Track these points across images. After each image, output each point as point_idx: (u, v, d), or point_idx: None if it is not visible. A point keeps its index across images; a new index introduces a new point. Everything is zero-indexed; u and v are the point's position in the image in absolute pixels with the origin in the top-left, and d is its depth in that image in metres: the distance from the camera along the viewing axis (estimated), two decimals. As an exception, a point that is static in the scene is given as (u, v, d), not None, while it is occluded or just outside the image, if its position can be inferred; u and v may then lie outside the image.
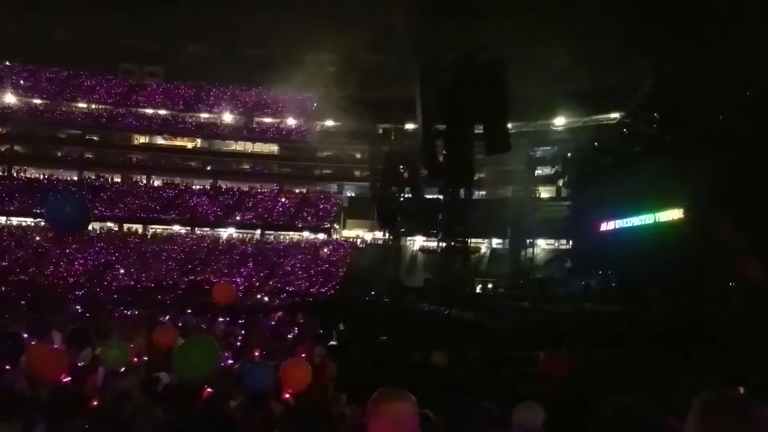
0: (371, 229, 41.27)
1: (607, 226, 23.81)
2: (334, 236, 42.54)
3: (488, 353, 9.28)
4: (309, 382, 5.28)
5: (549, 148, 38.68)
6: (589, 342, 9.41)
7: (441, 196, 20.00)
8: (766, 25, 16.97)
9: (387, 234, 29.43)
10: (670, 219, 18.90)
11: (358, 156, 45.31)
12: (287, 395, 5.11)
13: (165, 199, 43.29)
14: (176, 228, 41.63)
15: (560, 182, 36.62)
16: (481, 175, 35.96)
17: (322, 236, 41.89)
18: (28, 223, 39.58)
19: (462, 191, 18.51)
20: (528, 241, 32.64)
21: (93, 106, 46.42)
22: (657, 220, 19.76)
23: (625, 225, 22.20)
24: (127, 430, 3.05)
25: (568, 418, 3.50)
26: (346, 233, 43.67)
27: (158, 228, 41.62)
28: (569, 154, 31.91)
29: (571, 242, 31.62)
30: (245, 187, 45.22)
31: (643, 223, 20.75)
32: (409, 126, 35.33)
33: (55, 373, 5.12)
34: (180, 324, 12.51)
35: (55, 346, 6.46)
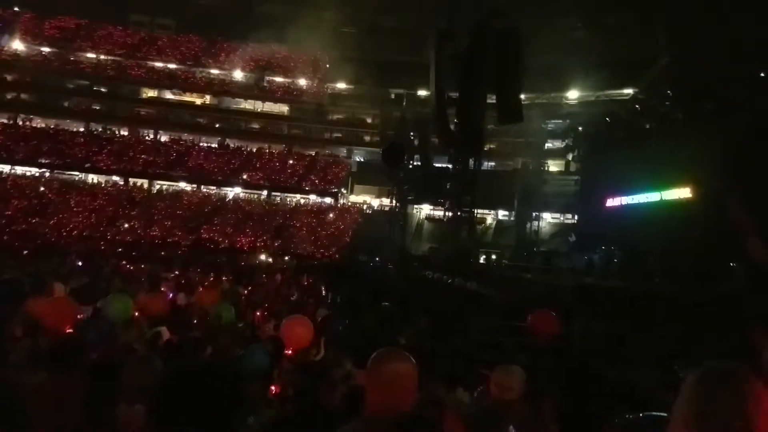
0: (379, 196, 41.17)
1: (613, 202, 23.67)
2: (342, 201, 42.53)
3: (490, 323, 9.31)
4: (310, 339, 5.28)
5: (561, 121, 38.21)
6: (590, 315, 9.45)
7: (450, 165, 19.79)
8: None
9: (394, 201, 29.37)
10: (676, 197, 18.78)
11: (369, 121, 44.94)
12: (288, 352, 5.13)
13: (172, 155, 43.18)
14: (182, 185, 41.60)
15: (570, 156, 36.29)
16: (492, 146, 35.68)
17: (329, 200, 41.89)
18: (33, 173, 39.70)
19: (471, 161, 18.29)
20: (534, 214, 32.51)
21: (102, 57, 45.91)
22: (662, 198, 19.64)
23: (631, 202, 22.07)
24: (127, 381, 3.04)
25: (571, 388, 3.48)
26: (354, 198, 43.62)
27: (164, 184, 41.61)
28: (580, 128, 31.54)
29: (576, 217, 31.50)
30: (253, 147, 45.00)
31: (648, 200, 20.62)
32: (422, 92, 34.88)
33: (60, 323, 5.14)
34: (183, 281, 12.60)
35: (60, 297, 6.50)
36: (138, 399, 2.80)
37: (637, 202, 21.51)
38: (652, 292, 11.92)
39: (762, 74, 14.90)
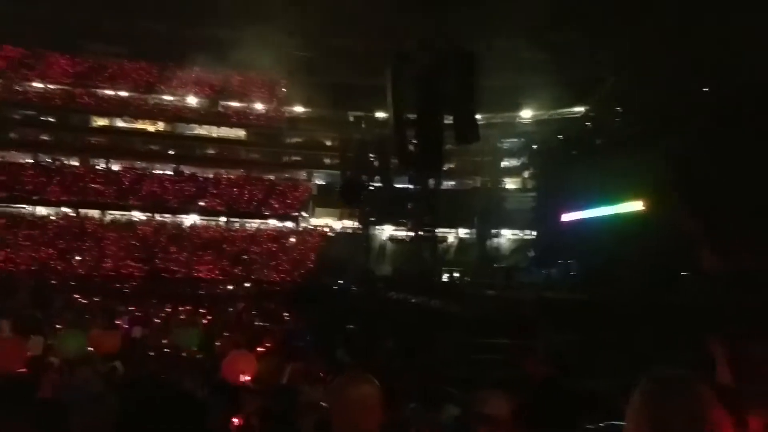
0: (340, 218, 41.03)
1: (569, 216, 24.22)
2: (303, 224, 42.14)
3: (455, 340, 9.29)
4: (252, 372, 5.17)
5: (516, 139, 39.08)
6: (551, 328, 9.57)
7: (411, 186, 19.92)
8: (727, 22, 17.34)
9: (356, 223, 29.34)
10: (629, 211, 19.33)
11: (328, 143, 44.84)
12: (247, 378, 5.03)
13: (124, 184, 42.10)
14: (136, 214, 40.53)
15: (526, 174, 37.09)
16: (451, 166, 36.12)
17: (290, 224, 41.46)
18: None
19: (431, 181, 18.46)
20: (494, 231, 33.00)
21: (50, 86, 44.64)
22: (617, 212, 20.19)
23: (586, 216, 22.63)
24: (81, 419, 2.89)
25: (540, 402, 3.45)
26: (315, 221, 43.28)
27: (117, 214, 40.43)
28: (534, 147, 32.31)
29: (535, 233, 32.12)
30: (210, 174, 44.27)
31: (602, 214, 21.18)
32: (380, 114, 35.15)
33: (8, 364, 4.85)
34: (139, 314, 12.18)
35: (6, 335, 6.16)
36: None
37: (592, 216, 22.05)
38: (608, 303, 12.18)
39: (705, 89, 15.57)
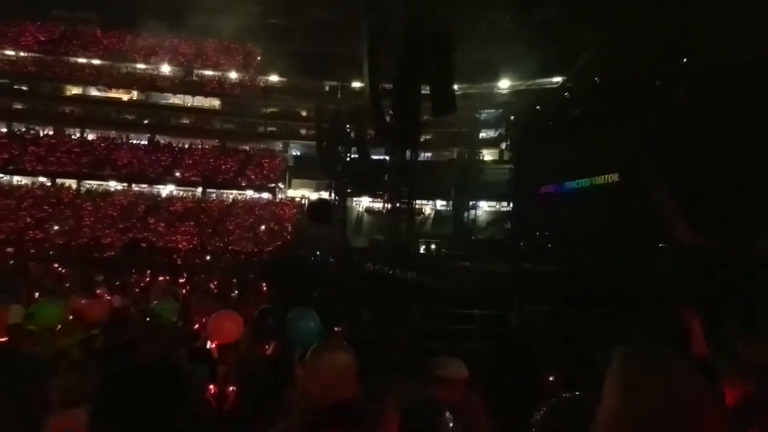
0: (317, 189, 41.01)
1: (546, 189, 24.53)
2: (279, 196, 42.06)
3: (430, 311, 9.52)
4: (239, 334, 5.19)
5: (493, 111, 39.14)
6: (525, 299, 9.84)
7: (387, 157, 20.01)
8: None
9: (333, 194, 29.40)
10: (606, 182, 19.64)
11: (304, 114, 44.53)
12: (212, 345, 5.04)
13: (100, 153, 41.44)
14: (112, 184, 40.03)
15: (503, 145, 37.26)
16: (427, 137, 36.19)
17: (266, 195, 41.34)
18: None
19: (408, 152, 18.57)
20: (471, 203, 33.27)
21: (21, 54, 43.40)
22: (593, 183, 20.51)
23: (563, 188, 22.94)
24: (61, 386, 3.00)
25: (514, 373, 3.63)
26: (291, 193, 43.23)
27: (93, 184, 39.92)
28: (512, 118, 32.40)
29: (511, 205, 32.49)
30: (185, 143, 43.75)
31: (579, 186, 21.50)
32: (357, 84, 34.94)
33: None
34: (117, 283, 12.23)
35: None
36: (73, 404, 2.74)
37: (569, 188, 22.35)
38: (584, 275, 12.48)
39: (684, 60, 15.69)
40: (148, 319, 7.15)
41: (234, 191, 41.22)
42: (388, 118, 18.54)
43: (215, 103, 45.73)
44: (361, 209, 38.78)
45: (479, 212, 35.45)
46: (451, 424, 2.29)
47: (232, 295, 11.60)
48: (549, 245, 20.80)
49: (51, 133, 42.32)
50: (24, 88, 43.07)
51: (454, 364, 3.13)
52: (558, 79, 34.69)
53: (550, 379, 4.19)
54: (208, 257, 28.60)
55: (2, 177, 38.62)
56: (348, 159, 26.66)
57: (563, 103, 24.09)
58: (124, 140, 43.15)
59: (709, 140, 12.92)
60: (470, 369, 3.14)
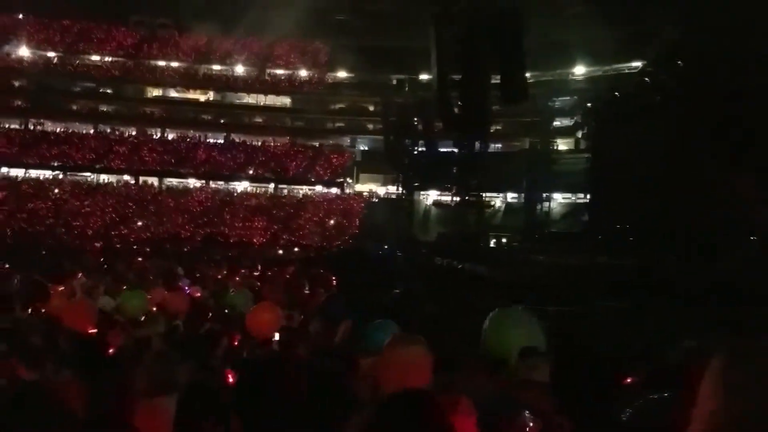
0: (384, 183, 41.21)
1: (624, 178, 23.41)
2: (347, 190, 42.58)
3: (498, 305, 9.30)
4: (277, 327, 5.20)
5: (568, 98, 37.86)
6: (598, 294, 9.45)
7: (455, 149, 19.76)
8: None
9: (400, 188, 29.38)
10: (685, 172, 18.46)
11: (371, 108, 44.79)
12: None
13: (179, 152, 43.40)
14: (191, 181, 41.86)
15: (579, 134, 35.99)
16: (498, 127, 35.47)
17: (335, 190, 41.96)
18: (46, 176, 40.06)
19: (477, 143, 18.26)
20: (544, 194, 32.32)
21: (106, 59, 46.09)
22: (672, 174, 19.33)
23: (641, 177, 21.81)
24: (146, 375, 3.07)
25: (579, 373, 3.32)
26: (359, 187, 43.64)
27: (173, 181, 41.89)
28: (589, 105, 31.22)
29: (589, 196, 31.26)
30: (258, 141, 45.10)
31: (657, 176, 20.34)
32: (424, 76, 34.76)
33: (84, 324, 5.20)
34: (198, 275, 12.71)
35: (79, 296, 6.61)
36: (158, 392, 2.82)
37: (647, 177, 21.17)
38: (663, 269, 11.85)
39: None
40: (225, 310, 7.35)
41: (304, 187, 42.10)
42: (456, 109, 18.30)
43: (286, 101, 46.84)
44: (428, 203, 38.58)
45: (553, 204, 34.42)
46: (531, 424, 2.21)
47: (304, 287, 11.81)
48: (630, 238, 19.90)
49: (134, 133, 44.67)
50: (109, 90, 45.69)
51: (534, 366, 2.96)
52: (637, 63, 33.13)
53: (628, 380, 3.96)
54: (280, 251, 29.36)
55: (90, 176, 41.09)
56: (415, 152, 26.55)
57: (643, 88, 22.97)
58: (201, 139, 44.96)
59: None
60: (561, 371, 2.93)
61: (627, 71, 34.23)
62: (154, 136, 44.96)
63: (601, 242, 20.68)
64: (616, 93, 26.03)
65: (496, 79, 17.26)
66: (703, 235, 14.53)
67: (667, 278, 10.54)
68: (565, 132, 37.28)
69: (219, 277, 12.97)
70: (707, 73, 17.65)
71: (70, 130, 43.45)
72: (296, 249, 30.18)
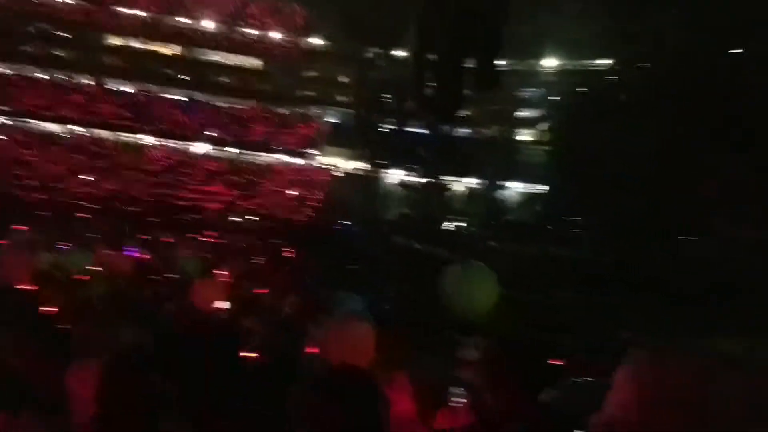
0: (351, 158, 40.75)
1: (584, 172, 23.83)
2: (313, 162, 41.95)
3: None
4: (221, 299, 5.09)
5: (536, 90, 38.12)
6: (552, 284, 9.63)
7: (425, 131, 19.62)
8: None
9: (367, 165, 29.16)
10: (645, 171, 18.95)
11: (344, 80, 44.00)
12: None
13: (137, 106, 41.80)
14: (148, 138, 40.46)
15: (544, 126, 36.39)
16: (467, 113, 35.49)
17: (300, 161, 41.29)
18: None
19: (446, 127, 18.15)
20: (505, 183, 32.72)
21: (67, 0, 43.68)
22: (632, 171, 19.79)
23: (601, 173, 22.26)
24: (83, 337, 2.93)
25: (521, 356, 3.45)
26: (326, 160, 43.03)
27: (129, 137, 40.40)
28: (555, 98, 31.54)
29: (548, 187, 31.75)
30: (223, 103, 43.82)
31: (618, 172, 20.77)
32: (399, 53, 34.29)
33: (18, 279, 4.87)
34: (147, 237, 12.28)
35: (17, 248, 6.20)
36: (94, 355, 2.68)
37: (607, 173, 21.63)
38: (612, 263, 12.16)
39: (740, 51, 14.89)
40: (173, 275, 7.10)
41: (268, 155, 41.24)
42: (429, 91, 18.09)
43: (256, 62, 45.46)
44: (394, 182, 38.41)
45: (512, 193, 34.84)
46: (462, 399, 2.38)
47: (261, 258, 11.54)
48: (583, 231, 20.36)
49: (91, 83, 42.69)
50: (66, 35, 43.32)
51: (476, 346, 3.03)
52: (607, 61, 33.53)
53: (563, 363, 4.09)
54: (238, 219, 28.79)
55: (39, 124, 39.17)
56: (385, 130, 26.31)
57: (611, 87, 23.30)
58: (162, 95, 43.36)
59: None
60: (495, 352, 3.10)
61: (596, 68, 34.59)
62: (112, 88, 43.08)
63: (555, 233, 21.11)
64: (584, 89, 26.35)
65: (469, 64, 17.10)
66: (658, 232, 14.93)
67: (619, 271, 10.80)
68: (531, 123, 37.61)
69: (170, 241, 12.60)
70: (675, 76, 17.98)
71: (22, 74, 41.14)
72: (255, 218, 29.61)
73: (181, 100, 43.32)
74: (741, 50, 15.21)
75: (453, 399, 2.42)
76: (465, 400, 2.39)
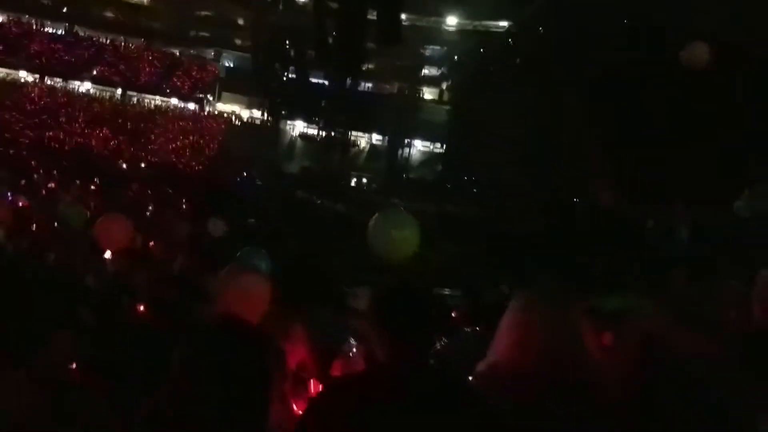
0: (249, 106, 39.23)
1: (478, 132, 24.68)
2: (208, 108, 39.96)
3: (356, 244, 9.48)
4: (128, 240, 4.96)
5: (438, 48, 38.46)
6: (444, 238, 10.07)
7: (326, 82, 19.27)
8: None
9: (266, 114, 28.21)
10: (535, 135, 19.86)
11: (241, 22, 41.77)
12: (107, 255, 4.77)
13: (11, 39, 37.55)
14: (23, 74, 36.60)
15: (444, 85, 36.98)
16: (370, 67, 35.20)
17: (193, 106, 39.17)
18: None
19: (348, 80, 17.95)
20: (406, 140, 33.15)
21: None
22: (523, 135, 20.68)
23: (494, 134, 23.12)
24: None
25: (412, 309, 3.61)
26: (221, 107, 41.14)
27: (1, 72, 36.38)
28: (456, 57, 32.00)
29: (445, 146, 32.57)
30: (107, 39, 40.32)
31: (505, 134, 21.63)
32: (301, -1, 33.03)
33: None
34: (24, 183, 11.33)
35: None
36: None
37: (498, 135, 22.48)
38: (497, 220, 12.86)
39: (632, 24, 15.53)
40: (54, 224, 6.66)
41: (157, 97, 38.71)
42: (330, 40, 17.73)
43: (143, -2, 41.94)
44: (294, 133, 37.61)
45: (413, 151, 35.41)
46: (354, 350, 2.45)
47: (148, 209, 11.04)
48: (475, 190, 21.18)
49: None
50: None
51: (364, 295, 3.29)
52: (504, 23, 34.37)
53: (453, 315, 4.39)
54: (123, 165, 27.03)
55: None
56: (285, 78, 25.53)
57: (507, 49, 23.93)
58: (38, 28, 39.13)
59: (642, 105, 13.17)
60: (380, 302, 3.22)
61: (495, 30, 35.39)
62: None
63: (451, 191, 21.83)
64: (482, 49, 26.91)
65: (372, 16, 16.88)
66: (543, 193, 15.85)
67: (505, 228, 11.44)
68: (432, 81, 38.04)
69: (49, 187, 11.72)
70: (565, 43, 18.71)
71: None
72: (143, 166, 27.93)
73: (59, 33, 39.37)
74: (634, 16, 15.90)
75: (347, 349, 2.47)
76: (357, 350, 2.46)
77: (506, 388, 1.51)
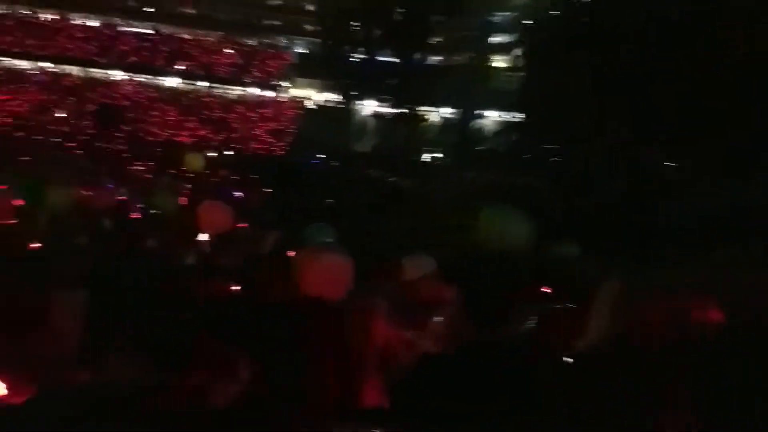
0: (321, 90, 40.11)
1: (554, 101, 23.89)
2: (283, 94, 41.24)
3: (421, 220, 9.65)
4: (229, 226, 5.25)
5: (509, 14, 37.33)
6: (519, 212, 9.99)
7: (395, 59, 19.44)
8: None
9: (338, 96, 28.79)
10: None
11: (311, 8, 42.57)
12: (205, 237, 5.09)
13: (103, 40, 40.26)
14: (115, 73, 39.21)
15: (517, 52, 35.89)
16: (438, 39, 34.85)
17: (270, 93, 40.56)
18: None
19: (416, 55, 18.04)
20: (478, 111, 32.62)
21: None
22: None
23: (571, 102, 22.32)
24: (65, 268, 3.10)
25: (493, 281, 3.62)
26: (295, 92, 42.30)
27: (96, 71, 39.13)
28: (529, 23, 30.90)
29: (523, 115, 31.66)
30: (189, 34, 42.36)
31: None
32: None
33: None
34: (120, 174, 12.36)
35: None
36: (77, 286, 2.90)
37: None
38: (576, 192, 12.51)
39: None
40: (152, 210, 7.28)
41: (237, 87, 40.39)
42: (397, 17, 17.85)
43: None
44: (366, 112, 38.09)
45: (486, 122, 34.82)
46: (435, 320, 2.40)
47: (236, 193, 11.77)
48: (551, 160, 20.57)
49: (55, 17, 40.79)
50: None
51: (420, 262, 3.16)
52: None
53: (542, 290, 4.35)
54: (210, 153, 28.54)
55: (3, 60, 37.71)
56: (354, 59, 25.88)
57: (584, 14, 22.89)
58: (127, 28, 41.72)
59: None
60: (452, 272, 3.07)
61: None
62: (76, 22, 41.24)
63: (525, 163, 21.33)
64: (557, 12, 25.80)
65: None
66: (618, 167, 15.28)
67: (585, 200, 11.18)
68: (503, 49, 37.00)
69: (144, 177, 12.71)
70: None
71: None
72: (228, 153, 29.38)
73: (145, 32, 41.76)
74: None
75: (432, 322, 2.43)
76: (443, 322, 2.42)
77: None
